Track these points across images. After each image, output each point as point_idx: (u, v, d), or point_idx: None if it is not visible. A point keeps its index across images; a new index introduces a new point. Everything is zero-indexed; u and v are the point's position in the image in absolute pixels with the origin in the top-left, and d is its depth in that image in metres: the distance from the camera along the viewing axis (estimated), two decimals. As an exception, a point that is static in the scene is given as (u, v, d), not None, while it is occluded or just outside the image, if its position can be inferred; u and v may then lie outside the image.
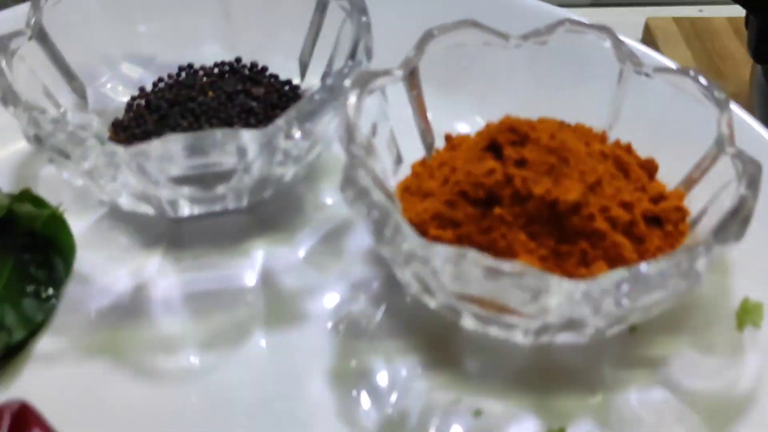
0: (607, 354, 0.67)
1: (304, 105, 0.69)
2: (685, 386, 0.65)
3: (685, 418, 0.63)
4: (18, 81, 0.72)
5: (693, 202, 0.69)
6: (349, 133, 0.66)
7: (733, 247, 0.61)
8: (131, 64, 0.85)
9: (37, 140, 0.68)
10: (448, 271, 0.59)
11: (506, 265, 0.57)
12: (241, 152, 0.67)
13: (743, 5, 1.13)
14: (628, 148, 0.72)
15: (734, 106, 0.74)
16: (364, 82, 0.69)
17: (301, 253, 0.75)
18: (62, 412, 0.60)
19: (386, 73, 0.71)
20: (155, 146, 0.65)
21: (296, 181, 0.77)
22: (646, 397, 0.65)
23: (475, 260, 0.57)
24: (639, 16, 1.48)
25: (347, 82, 0.70)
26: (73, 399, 0.66)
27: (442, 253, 0.58)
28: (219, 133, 0.66)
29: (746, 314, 0.68)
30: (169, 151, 0.65)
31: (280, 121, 0.68)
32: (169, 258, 0.74)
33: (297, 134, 0.68)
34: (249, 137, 0.66)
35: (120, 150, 0.66)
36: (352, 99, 0.67)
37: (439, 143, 0.76)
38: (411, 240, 0.60)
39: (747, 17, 1.17)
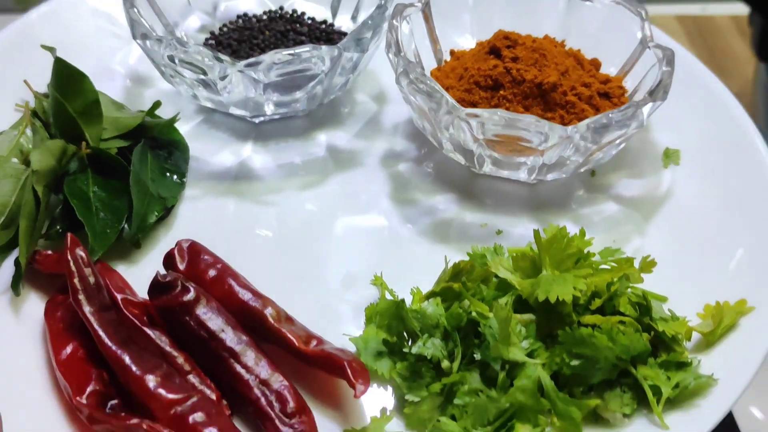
0: (576, 187, 0.99)
1: (358, 30, 0.97)
2: (627, 198, 0.98)
3: (628, 216, 0.97)
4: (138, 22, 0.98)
5: (628, 84, 1.01)
6: (396, 46, 0.96)
7: (659, 106, 0.92)
8: (200, 13, 1.11)
9: (170, 60, 0.95)
10: (482, 125, 0.88)
11: (525, 116, 0.87)
12: (322, 61, 0.95)
13: (748, 2, 1.15)
14: (578, 52, 1.03)
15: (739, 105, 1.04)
16: (400, 12, 0.98)
17: (352, 133, 1.05)
18: (208, 238, 0.89)
19: (412, 5, 1.01)
20: (265, 57, 0.93)
21: (342, 91, 1.05)
22: (602, 208, 0.98)
23: (505, 114, 0.87)
24: (641, 13, 1.52)
25: (387, 13, 0.99)
26: (213, 228, 0.94)
27: (480, 113, 0.88)
28: (308, 47, 0.93)
29: (668, 157, 1.01)
30: (274, 61, 0.93)
31: (344, 41, 0.96)
32: (258, 145, 1.03)
33: (355, 50, 0.97)
34: (326, 51, 0.95)
35: (236, 62, 0.93)
36: (395, 23, 0.97)
37: (446, 57, 1.05)
38: (455, 108, 0.89)
39: (750, 15, 1.19)
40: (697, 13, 1.47)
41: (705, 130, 1.02)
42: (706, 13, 1.47)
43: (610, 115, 0.88)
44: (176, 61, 0.95)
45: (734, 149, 0.99)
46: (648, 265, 0.83)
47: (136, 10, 0.98)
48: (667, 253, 0.91)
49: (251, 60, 0.93)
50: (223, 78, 0.95)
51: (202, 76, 0.95)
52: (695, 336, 0.83)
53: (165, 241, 0.93)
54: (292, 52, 0.93)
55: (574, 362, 0.76)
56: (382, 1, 1.00)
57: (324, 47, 0.94)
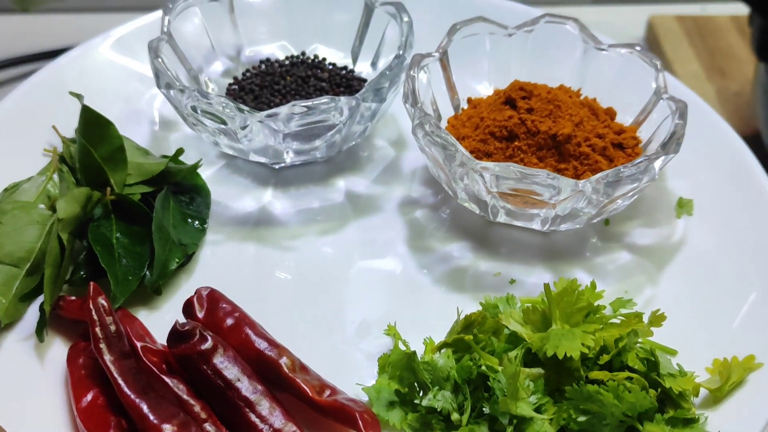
0: (591, 235, 1.01)
1: (376, 81, 0.99)
2: (641, 247, 0.99)
3: (641, 266, 0.98)
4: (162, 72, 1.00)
5: (642, 134, 1.02)
6: (413, 96, 0.97)
7: (672, 159, 0.93)
8: (224, 59, 1.14)
9: (193, 110, 0.97)
10: (495, 178, 0.90)
11: (537, 171, 0.89)
12: (340, 112, 0.97)
13: (747, 3, 1.14)
14: (594, 101, 1.05)
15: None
16: (417, 62, 1.00)
17: (371, 179, 1.07)
18: (228, 284, 0.92)
19: (429, 55, 1.03)
20: (284, 109, 0.95)
21: (360, 139, 1.07)
22: (616, 257, 0.99)
23: (517, 168, 0.89)
24: (642, 14, 1.45)
25: (405, 63, 1.01)
26: (232, 273, 0.97)
27: (492, 166, 0.90)
28: (326, 98, 0.96)
29: (681, 207, 1.02)
30: (293, 112, 0.95)
31: (362, 92, 0.98)
32: (278, 190, 1.05)
33: (373, 100, 0.99)
34: (344, 101, 0.97)
35: (256, 113, 0.95)
36: (412, 73, 0.99)
37: (463, 104, 1.07)
38: (468, 160, 0.91)
39: (750, 15, 1.18)
40: (697, 13, 1.46)
41: (718, 179, 1.03)
42: (706, 13, 1.46)
43: (622, 169, 0.90)
44: (198, 111, 0.97)
45: (747, 200, 1.00)
46: (657, 319, 0.84)
47: (160, 60, 1.00)
48: (679, 305, 0.92)
49: (271, 111, 0.95)
50: (243, 128, 0.97)
51: (222, 126, 0.98)
52: (703, 391, 0.84)
53: (186, 287, 0.95)
54: (310, 104, 0.95)
55: (582, 418, 0.78)
56: (401, 51, 1.02)
57: (342, 98, 0.96)
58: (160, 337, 0.88)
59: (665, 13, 1.46)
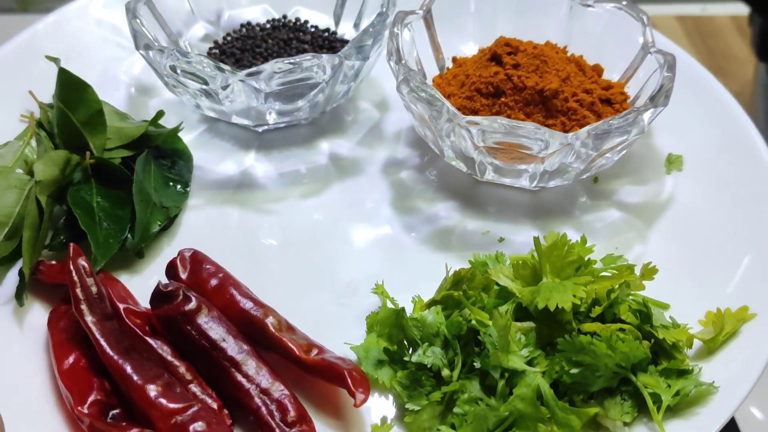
0: (579, 193, 0.99)
1: (359, 38, 0.97)
2: (630, 204, 0.98)
3: (631, 223, 0.97)
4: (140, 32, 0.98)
5: (630, 91, 1.00)
6: (397, 54, 0.96)
7: (661, 112, 0.92)
8: (204, 23, 1.11)
9: (173, 70, 0.95)
10: (482, 132, 0.88)
11: (525, 123, 0.87)
12: (323, 70, 0.95)
13: (747, 3, 1.14)
14: (581, 58, 1.03)
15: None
16: (401, 19, 0.99)
17: (355, 141, 1.05)
18: (211, 247, 0.90)
19: (413, 12, 1.01)
20: (266, 67, 0.93)
21: (344, 99, 1.05)
22: (605, 215, 0.98)
23: (504, 122, 0.87)
24: (642, 14, 1.47)
25: (388, 21, 0.99)
26: (216, 237, 0.95)
27: (479, 120, 0.88)
28: (308, 56, 0.94)
29: (671, 163, 1.00)
30: (275, 70, 0.93)
31: (345, 50, 0.96)
32: (261, 153, 1.03)
33: (356, 58, 0.97)
34: (327, 59, 0.95)
35: (237, 72, 0.93)
36: (396, 30, 0.97)
37: (448, 63, 1.05)
38: (454, 116, 0.89)
39: (750, 15, 1.18)
40: (697, 13, 1.46)
41: (708, 134, 1.02)
42: (706, 13, 1.46)
43: (611, 121, 0.88)
44: (178, 71, 0.95)
45: (737, 154, 0.99)
46: (649, 272, 0.83)
47: (138, 21, 0.98)
48: (670, 260, 0.91)
49: (252, 69, 0.93)
50: (224, 88, 0.95)
51: (204, 86, 0.96)
52: (696, 343, 0.83)
53: (168, 250, 0.93)
54: (293, 61, 0.93)
55: (574, 370, 0.76)
56: (383, 9, 1.00)
57: (325, 56, 0.94)
58: (143, 301, 0.87)
59: (665, 13, 1.45)
